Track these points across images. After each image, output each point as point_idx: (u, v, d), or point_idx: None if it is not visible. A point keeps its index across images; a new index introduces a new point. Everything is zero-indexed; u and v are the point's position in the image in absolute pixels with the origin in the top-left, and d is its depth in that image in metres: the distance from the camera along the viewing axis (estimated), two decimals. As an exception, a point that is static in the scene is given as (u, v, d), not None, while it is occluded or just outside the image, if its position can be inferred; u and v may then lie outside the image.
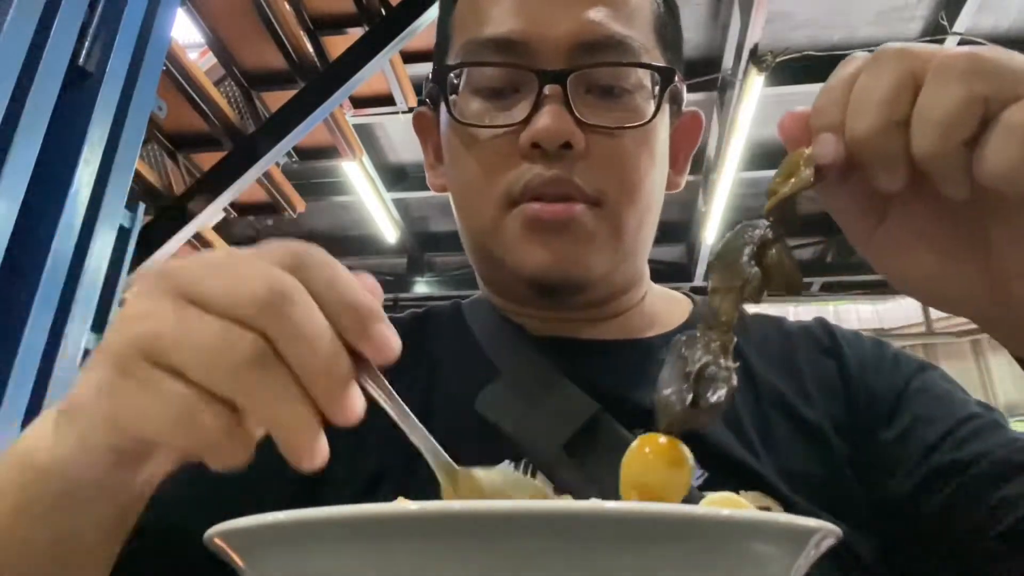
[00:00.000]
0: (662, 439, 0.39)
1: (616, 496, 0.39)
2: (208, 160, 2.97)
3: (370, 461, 0.60)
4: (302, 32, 2.96)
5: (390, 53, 2.88)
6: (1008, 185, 0.37)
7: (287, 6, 2.90)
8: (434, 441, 0.38)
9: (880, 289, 7.39)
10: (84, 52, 1.59)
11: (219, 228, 3.21)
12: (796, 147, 0.43)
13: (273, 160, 2.92)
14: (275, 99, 3.02)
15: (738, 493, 0.52)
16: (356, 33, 2.99)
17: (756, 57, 4.27)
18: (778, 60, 4.33)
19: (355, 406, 0.35)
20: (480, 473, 0.38)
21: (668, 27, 0.70)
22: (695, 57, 4.66)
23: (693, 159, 0.77)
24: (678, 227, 6.60)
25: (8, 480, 0.40)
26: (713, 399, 0.39)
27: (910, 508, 0.59)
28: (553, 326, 0.69)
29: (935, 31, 4.39)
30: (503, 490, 0.38)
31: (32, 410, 1.45)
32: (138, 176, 2.52)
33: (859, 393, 0.65)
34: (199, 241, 2.92)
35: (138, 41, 1.74)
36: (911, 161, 0.39)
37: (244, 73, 3.07)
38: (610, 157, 0.63)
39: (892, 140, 0.39)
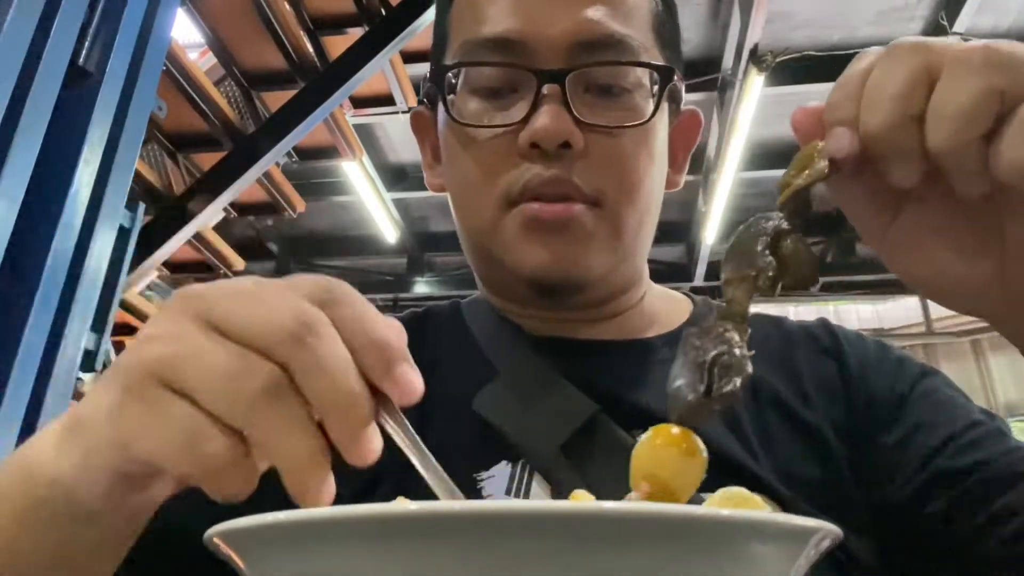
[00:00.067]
0: (674, 429, 0.39)
1: (615, 497, 0.39)
2: (208, 160, 2.97)
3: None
4: (302, 32, 2.96)
5: (390, 53, 2.89)
6: None
7: (287, 6, 2.90)
8: (455, 486, 0.36)
9: (880, 289, 7.38)
10: (84, 52, 1.59)
11: (219, 228, 3.21)
12: (809, 141, 0.43)
13: (273, 160, 2.92)
14: (275, 99, 3.03)
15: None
16: (356, 33, 2.99)
17: (756, 57, 4.27)
18: (778, 60, 4.33)
19: (373, 446, 0.34)
20: None
21: (666, 25, 0.69)
22: (695, 57, 4.66)
23: (693, 159, 0.77)
24: (678, 227, 6.60)
25: (11, 488, 0.40)
26: (727, 388, 0.38)
27: (910, 512, 0.59)
28: (552, 326, 0.69)
29: (935, 31, 4.39)
30: None
31: (32, 410, 1.45)
32: (138, 176, 2.52)
33: (860, 395, 0.65)
34: (199, 241, 2.92)
35: (138, 41, 1.74)
36: (926, 156, 0.39)
37: (244, 73, 3.07)
38: (609, 156, 0.63)
39: (907, 134, 0.39)
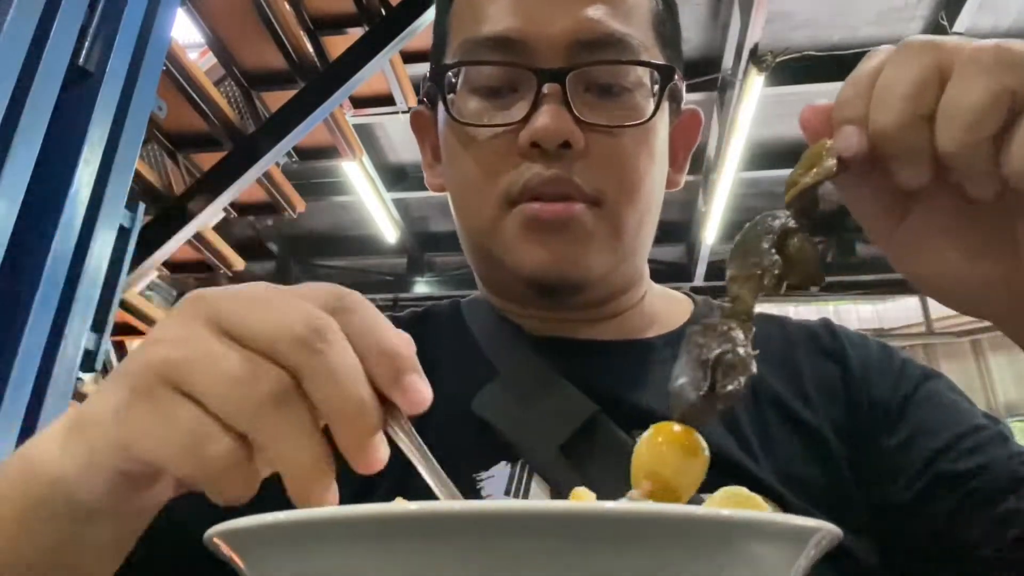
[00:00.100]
0: (676, 427, 0.39)
1: (614, 497, 0.39)
2: (208, 160, 2.97)
3: None
4: (302, 32, 2.96)
5: (390, 53, 2.89)
6: None
7: (287, 6, 2.90)
8: (462, 497, 0.36)
9: (880, 289, 7.39)
10: (84, 52, 1.59)
11: (219, 228, 3.22)
12: (817, 140, 0.42)
13: (273, 160, 2.92)
14: (275, 99, 3.02)
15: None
16: (356, 33, 2.99)
17: (756, 57, 4.27)
18: (778, 60, 4.33)
19: (380, 454, 0.34)
20: None
21: (667, 24, 0.69)
22: (695, 57, 4.66)
23: (693, 159, 0.76)
24: (678, 227, 6.60)
25: (12, 488, 0.40)
26: (730, 387, 0.38)
27: (911, 515, 0.59)
28: (552, 326, 0.69)
29: (935, 31, 4.39)
30: None
31: (32, 410, 1.45)
32: (138, 176, 2.52)
33: (862, 397, 0.65)
34: (199, 241, 2.92)
35: (138, 41, 1.74)
36: (935, 156, 0.38)
37: (244, 73, 3.07)
38: (609, 156, 0.63)
39: (916, 134, 0.38)
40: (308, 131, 2.90)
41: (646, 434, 0.39)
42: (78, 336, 1.58)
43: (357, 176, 5.46)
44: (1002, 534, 0.55)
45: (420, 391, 0.35)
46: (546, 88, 0.61)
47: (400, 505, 0.26)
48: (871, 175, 0.42)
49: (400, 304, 7.20)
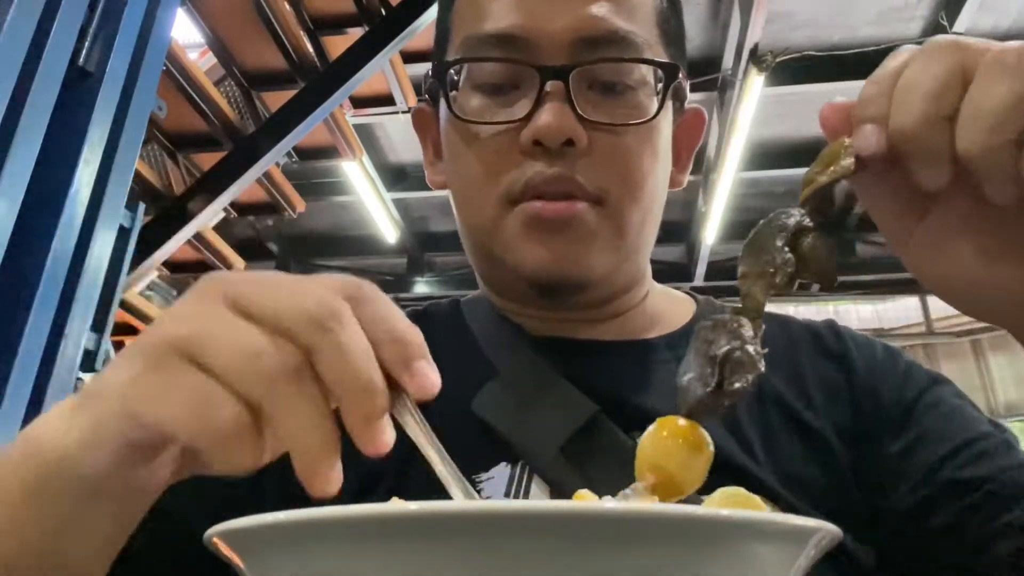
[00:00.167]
0: (681, 422, 0.39)
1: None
2: (208, 160, 2.97)
3: (368, 462, 0.59)
4: (302, 32, 2.96)
5: (390, 53, 2.89)
6: None
7: (287, 6, 2.90)
8: (468, 483, 0.37)
9: (880, 289, 7.38)
10: (84, 52, 1.59)
11: (219, 228, 3.22)
12: (837, 138, 0.42)
13: (273, 160, 2.92)
14: (275, 99, 3.02)
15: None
16: (356, 33, 2.99)
17: (756, 57, 4.27)
18: (778, 60, 4.33)
19: (386, 436, 0.35)
20: None
21: (671, 22, 0.69)
22: (695, 57, 4.66)
23: (693, 159, 0.76)
24: (678, 227, 6.60)
25: (17, 466, 0.39)
26: (738, 384, 0.38)
27: (913, 521, 0.58)
28: (552, 326, 0.68)
29: (935, 31, 4.39)
30: None
31: (32, 410, 1.45)
32: (138, 176, 2.52)
33: (866, 400, 0.64)
34: (199, 241, 2.92)
35: (138, 41, 1.74)
36: (955, 158, 0.38)
37: (244, 73, 3.07)
38: (613, 155, 0.62)
39: (937, 135, 0.38)
40: (308, 131, 2.90)
41: (651, 428, 0.39)
42: (78, 336, 1.58)
43: (357, 176, 5.45)
44: (1005, 545, 0.54)
45: (429, 377, 0.36)
46: (549, 86, 0.61)
47: (400, 505, 0.26)
48: (889, 175, 0.42)
49: (400, 304, 7.16)
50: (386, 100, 3.42)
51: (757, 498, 0.37)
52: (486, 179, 0.64)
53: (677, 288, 0.80)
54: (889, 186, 0.44)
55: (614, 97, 0.63)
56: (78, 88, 1.58)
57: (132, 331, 2.69)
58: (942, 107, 0.38)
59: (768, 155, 5.46)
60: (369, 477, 0.59)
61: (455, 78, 0.65)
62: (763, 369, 0.38)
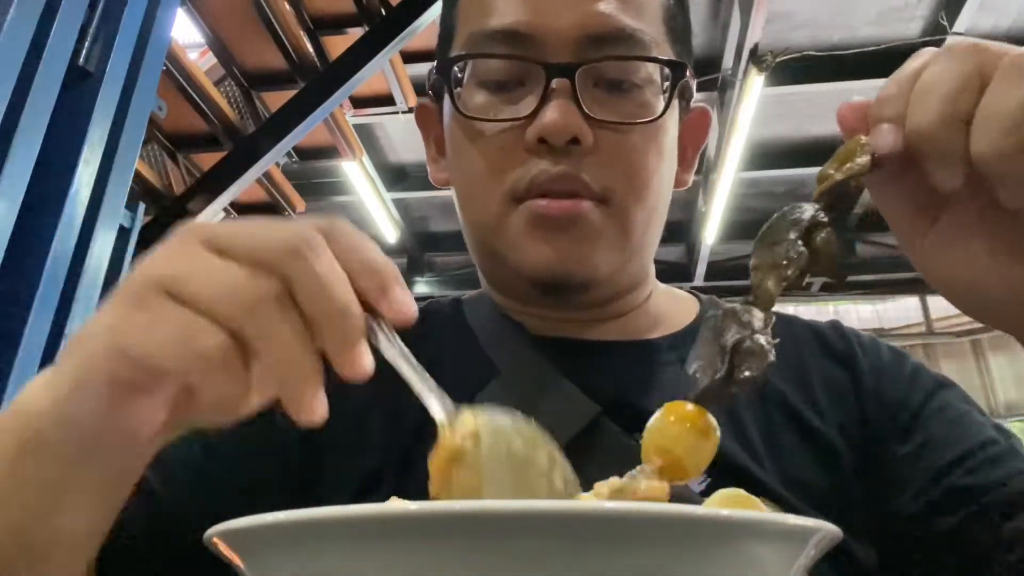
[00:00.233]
0: (689, 407, 0.39)
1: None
2: (208, 160, 2.97)
3: (368, 460, 0.59)
4: (302, 32, 2.96)
5: (390, 53, 2.89)
6: None
7: (287, 6, 2.90)
8: (449, 401, 0.38)
9: (880, 289, 7.38)
10: (84, 52, 1.59)
11: (219, 228, 3.21)
12: (853, 136, 0.42)
13: (273, 160, 2.92)
14: (275, 99, 3.03)
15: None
16: (356, 33, 2.99)
17: (756, 57, 4.27)
18: (778, 60, 4.33)
19: (364, 361, 0.36)
20: (483, 418, 0.38)
21: (677, 19, 0.68)
22: (695, 57, 4.65)
23: (698, 158, 0.75)
24: (678, 227, 6.60)
25: (5, 432, 0.39)
26: (747, 374, 0.38)
27: (918, 527, 0.58)
28: (554, 325, 0.68)
29: (935, 31, 4.39)
30: (503, 434, 0.38)
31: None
32: (138, 176, 2.52)
33: (872, 404, 0.64)
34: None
35: (138, 41, 1.74)
36: (969, 161, 0.38)
37: (244, 73, 3.07)
38: (618, 153, 0.62)
39: (952, 136, 0.38)
40: (308, 131, 2.90)
41: (659, 412, 0.40)
42: (78, 336, 1.58)
43: (357, 176, 5.45)
44: (1010, 552, 0.54)
45: (406, 303, 0.37)
46: (555, 83, 0.60)
47: (400, 505, 0.26)
48: (904, 176, 0.42)
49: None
50: (386, 100, 3.43)
51: (757, 499, 0.37)
52: (490, 176, 0.63)
53: (679, 288, 0.79)
54: (903, 187, 0.44)
55: (620, 95, 0.62)
56: (78, 88, 1.58)
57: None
58: (958, 109, 0.38)
59: (768, 155, 5.46)
60: (369, 477, 0.59)
61: (459, 75, 0.64)
62: (773, 359, 0.38)
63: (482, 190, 0.64)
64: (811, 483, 0.59)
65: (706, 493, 0.57)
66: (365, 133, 5.44)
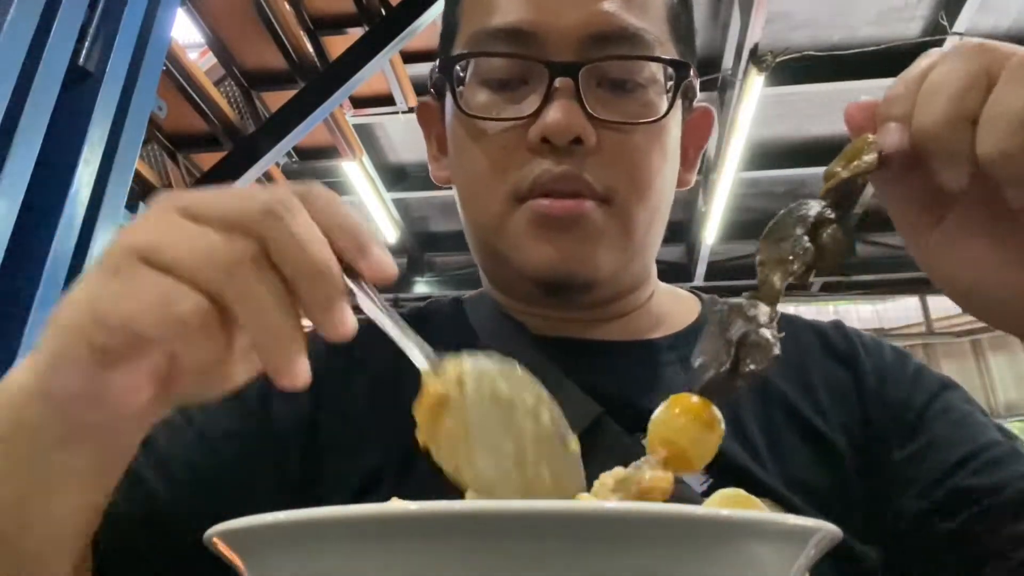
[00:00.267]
0: (694, 399, 0.39)
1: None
2: (208, 160, 2.97)
3: (368, 460, 0.59)
4: (302, 32, 2.97)
5: (390, 53, 2.89)
6: None
7: (287, 6, 2.90)
8: (432, 352, 0.39)
9: (880, 289, 7.38)
10: (84, 52, 1.59)
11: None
12: (860, 135, 0.43)
13: (273, 160, 2.92)
14: (275, 99, 3.03)
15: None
16: (356, 33, 2.99)
17: (756, 57, 4.26)
18: (778, 60, 4.32)
19: (347, 319, 0.35)
20: (468, 364, 0.39)
21: (681, 19, 0.68)
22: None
23: (701, 157, 0.75)
24: (678, 227, 6.59)
25: None
26: (753, 367, 0.38)
27: (920, 528, 0.58)
28: (556, 325, 0.68)
29: (935, 31, 4.39)
30: (490, 378, 0.38)
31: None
32: (138, 176, 2.52)
33: (874, 404, 0.63)
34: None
35: (138, 41, 1.74)
36: (976, 160, 0.38)
37: (244, 73, 3.07)
38: (621, 153, 0.62)
39: (958, 135, 0.38)
40: (308, 131, 2.90)
41: (664, 404, 0.40)
42: (78, 336, 1.58)
43: (357, 176, 5.45)
44: (1013, 555, 0.54)
45: (384, 261, 0.37)
46: (558, 82, 0.60)
47: (400, 505, 0.26)
48: (910, 175, 0.42)
49: (400, 304, 7.19)
50: (386, 100, 3.43)
51: (756, 499, 0.37)
52: (492, 176, 0.63)
53: (680, 288, 0.79)
54: (909, 186, 0.44)
55: (624, 95, 0.62)
56: (78, 88, 1.58)
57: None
58: (964, 108, 0.38)
59: (768, 155, 5.46)
60: (369, 477, 0.59)
61: (461, 73, 0.64)
62: (778, 353, 0.39)
63: (484, 189, 0.64)
64: (813, 483, 0.59)
65: (708, 494, 0.57)
66: (365, 133, 5.44)
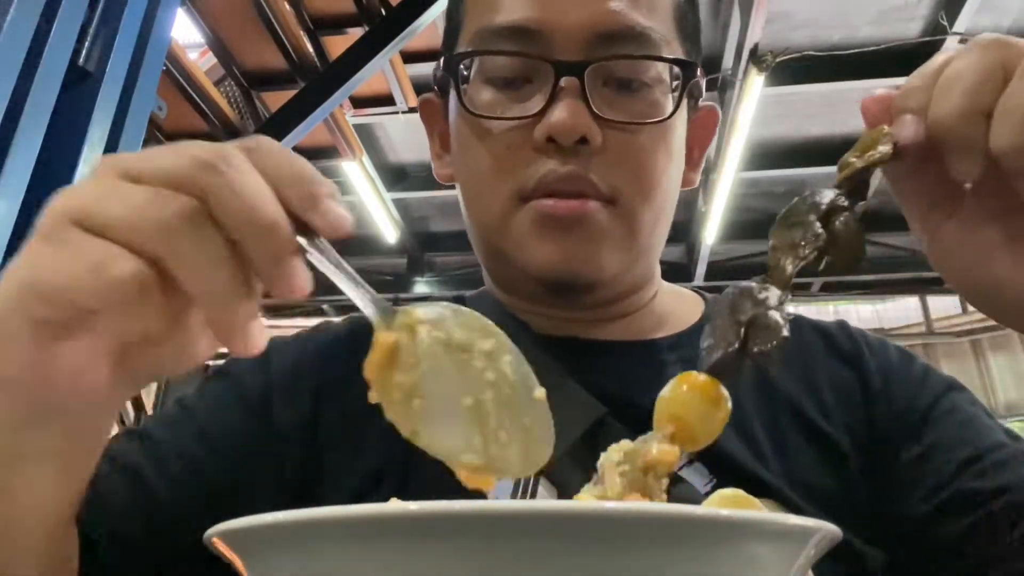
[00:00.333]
0: (702, 377, 0.39)
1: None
2: (208, 160, 2.97)
3: (368, 460, 0.59)
4: (302, 32, 2.97)
5: (390, 53, 2.89)
6: None
7: (287, 6, 2.90)
8: (388, 304, 0.37)
9: (880, 289, 7.38)
10: (84, 52, 1.59)
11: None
12: (876, 126, 0.43)
13: (273, 160, 2.92)
14: (275, 99, 3.03)
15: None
16: (356, 33, 2.99)
17: (756, 57, 4.26)
18: (778, 60, 4.32)
19: (299, 276, 0.33)
20: (420, 312, 0.37)
21: (688, 18, 0.67)
22: (695, 57, 4.65)
23: (705, 157, 0.75)
24: (678, 227, 6.59)
25: None
26: (762, 347, 0.38)
27: (925, 528, 0.58)
28: (559, 325, 0.67)
29: (935, 31, 4.39)
30: (443, 326, 0.37)
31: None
32: (138, 176, 2.52)
33: (879, 404, 0.63)
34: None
35: (138, 41, 1.74)
36: (989, 153, 0.38)
37: (244, 73, 3.08)
38: (627, 154, 0.61)
39: (972, 128, 0.38)
40: (308, 131, 2.90)
41: (672, 382, 0.40)
42: (78, 336, 1.58)
43: (357, 176, 5.45)
44: (1019, 558, 0.54)
45: (339, 214, 0.35)
46: (563, 81, 0.59)
47: (400, 505, 0.26)
48: (924, 168, 0.42)
49: (400, 304, 7.17)
50: (386, 100, 3.43)
51: (756, 499, 0.37)
52: (497, 175, 0.62)
53: (684, 287, 0.79)
54: (922, 180, 0.44)
55: (629, 95, 0.62)
56: (78, 88, 1.58)
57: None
58: (979, 102, 0.38)
59: (768, 155, 5.46)
60: (370, 477, 0.59)
61: (466, 71, 0.63)
62: (787, 335, 0.39)
63: (488, 188, 0.63)
64: (817, 484, 0.59)
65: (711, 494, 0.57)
66: (365, 133, 5.44)
